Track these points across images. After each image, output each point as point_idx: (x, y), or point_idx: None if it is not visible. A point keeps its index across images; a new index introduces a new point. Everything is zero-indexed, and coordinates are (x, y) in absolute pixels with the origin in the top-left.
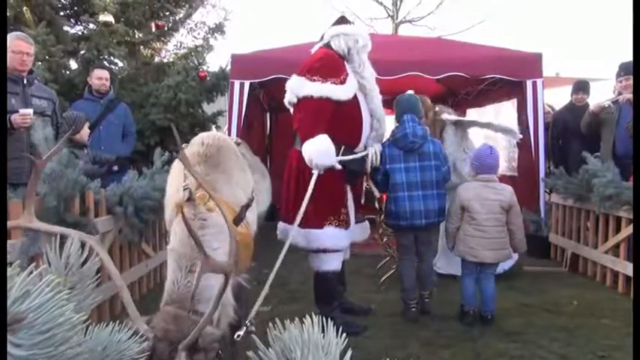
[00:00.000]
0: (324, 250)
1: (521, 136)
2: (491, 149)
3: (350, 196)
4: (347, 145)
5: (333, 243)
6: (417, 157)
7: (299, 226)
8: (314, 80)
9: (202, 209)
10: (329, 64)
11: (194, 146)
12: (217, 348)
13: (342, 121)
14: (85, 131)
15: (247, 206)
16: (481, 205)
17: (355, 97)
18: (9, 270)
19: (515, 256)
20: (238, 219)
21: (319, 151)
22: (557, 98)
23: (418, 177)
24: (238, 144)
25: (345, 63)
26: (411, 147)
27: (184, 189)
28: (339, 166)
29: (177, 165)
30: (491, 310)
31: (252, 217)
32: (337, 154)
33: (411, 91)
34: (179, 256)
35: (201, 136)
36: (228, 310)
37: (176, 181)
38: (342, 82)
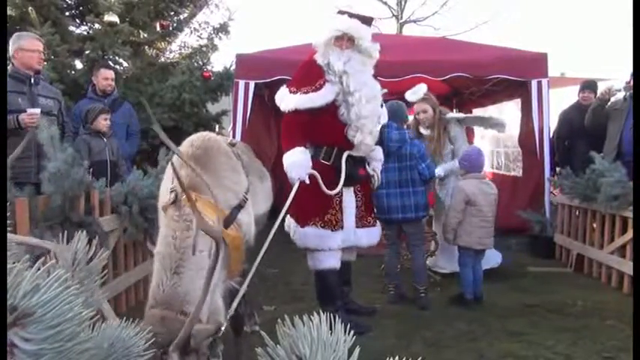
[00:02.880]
0: (313, 249)
1: (506, 124)
2: (479, 151)
3: (350, 199)
4: (339, 148)
5: (315, 243)
6: (396, 158)
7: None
8: (291, 92)
9: (189, 211)
10: (304, 72)
11: (183, 147)
12: (208, 352)
13: (321, 128)
14: (100, 122)
15: (239, 208)
16: (484, 198)
17: (333, 102)
18: (18, 265)
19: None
20: (228, 221)
21: (293, 163)
22: (563, 98)
23: (396, 176)
24: (233, 145)
25: (324, 71)
26: (389, 150)
27: (171, 191)
28: (313, 172)
29: (169, 167)
30: (481, 289)
31: (245, 219)
32: (340, 156)
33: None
34: (163, 258)
35: (191, 138)
36: (218, 317)
37: (167, 184)
38: (318, 89)
